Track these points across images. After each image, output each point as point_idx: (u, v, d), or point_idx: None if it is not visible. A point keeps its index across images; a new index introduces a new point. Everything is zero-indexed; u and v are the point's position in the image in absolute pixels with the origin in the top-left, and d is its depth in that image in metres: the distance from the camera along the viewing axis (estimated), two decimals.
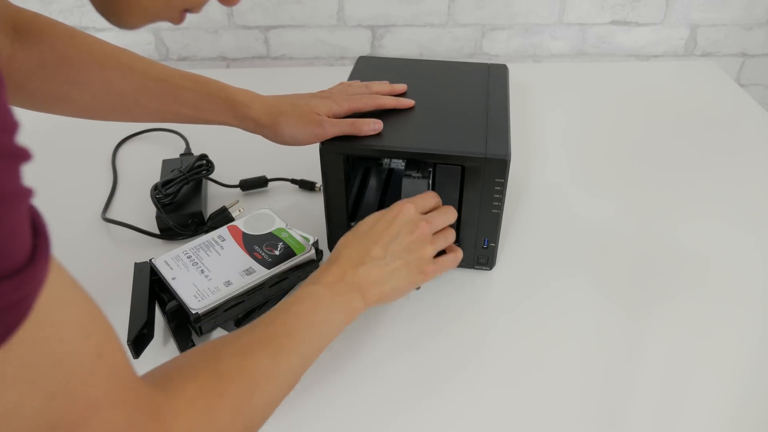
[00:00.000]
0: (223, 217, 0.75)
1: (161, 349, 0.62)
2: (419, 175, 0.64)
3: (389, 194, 0.78)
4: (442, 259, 0.61)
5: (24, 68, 0.55)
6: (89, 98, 0.59)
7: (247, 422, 0.43)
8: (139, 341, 0.57)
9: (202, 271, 0.62)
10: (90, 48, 0.59)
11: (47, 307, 0.27)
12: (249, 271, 0.62)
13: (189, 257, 0.64)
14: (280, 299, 0.67)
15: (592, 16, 1.17)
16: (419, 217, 0.59)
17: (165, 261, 0.63)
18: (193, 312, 0.58)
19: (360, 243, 0.56)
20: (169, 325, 0.60)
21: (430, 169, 0.65)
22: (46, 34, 0.57)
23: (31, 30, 0.56)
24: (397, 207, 0.58)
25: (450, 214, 0.62)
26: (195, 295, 0.59)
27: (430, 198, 0.62)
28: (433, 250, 0.59)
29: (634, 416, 0.56)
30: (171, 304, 0.59)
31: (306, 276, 0.68)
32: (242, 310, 0.62)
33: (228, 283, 0.61)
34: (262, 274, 0.62)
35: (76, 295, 0.31)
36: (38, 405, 0.27)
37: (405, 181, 0.64)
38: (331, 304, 0.51)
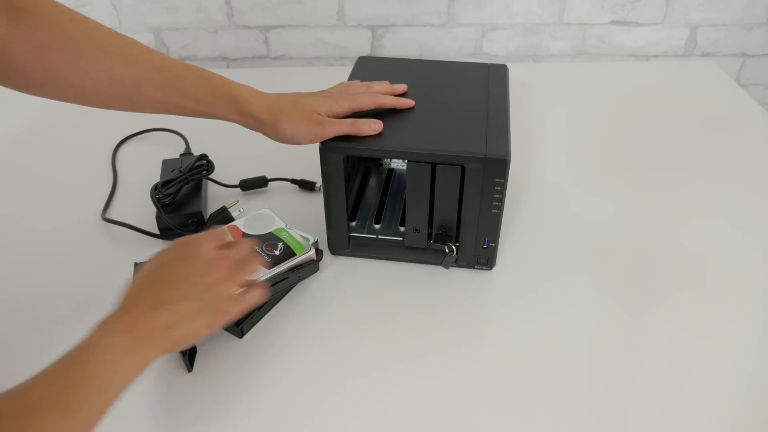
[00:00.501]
0: (223, 217, 0.75)
1: None
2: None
3: (389, 194, 0.78)
4: (245, 296, 0.56)
5: (21, 49, 0.54)
6: (90, 84, 0.58)
7: None
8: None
9: None
10: (91, 32, 0.58)
11: None
12: None
13: None
14: (280, 299, 0.67)
15: (592, 16, 1.17)
16: (216, 254, 0.55)
17: None
18: None
19: (153, 286, 0.52)
20: None
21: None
22: (45, 14, 0.55)
23: (29, 9, 0.54)
24: (194, 244, 0.55)
25: (248, 243, 0.59)
26: None
27: (219, 234, 0.58)
28: (232, 287, 0.55)
29: (635, 415, 0.56)
30: None
31: (306, 276, 0.68)
32: None
33: None
34: (261, 274, 0.62)
35: None
36: None
37: (409, 165, 0.63)
38: (123, 355, 0.46)
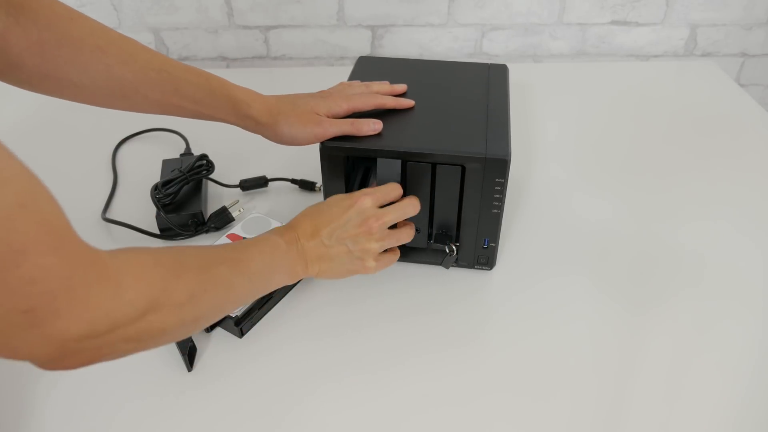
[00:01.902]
0: (223, 217, 0.76)
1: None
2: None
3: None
4: (384, 257, 0.63)
5: (20, 44, 0.54)
6: (88, 82, 0.58)
7: (197, 313, 0.45)
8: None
9: None
10: (91, 30, 0.58)
11: None
12: None
13: None
14: (280, 299, 0.67)
15: (592, 16, 1.17)
16: (373, 211, 0.60)
17: None
18: None
19: (315, 219, 0.59)
20: None
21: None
22: (45, 11, 0.56)
23: (28, 6, 0.55)
24: (355, 196, 0.60)
25: (410, 208, 0.63)
26: None
27: (391, 190, 0.63)
28: (378, 246, 0.61)
29: (635, 414, 0.56)
30: None
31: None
32: (242, 309, 0.62)
33: None
34: None
35: None
36: None
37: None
38: (282, 259, 0.56)
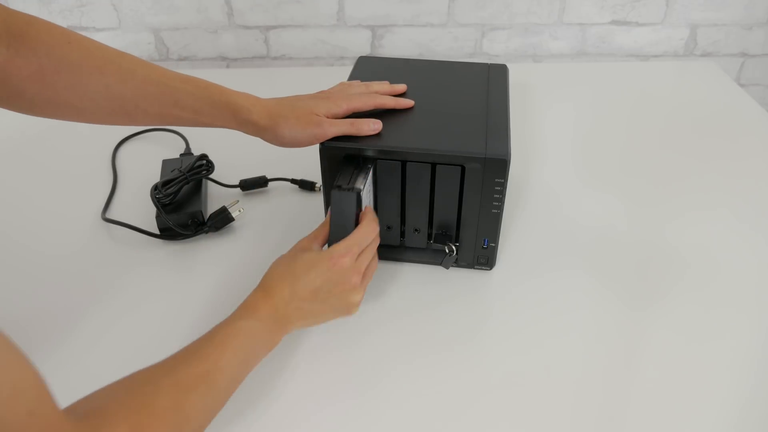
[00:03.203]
0: (223, 217, 0.76)
1: None
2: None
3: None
4: (364, 287, 0.61)
5: (21, 74, 0.55)
6: (89, 103, 0.59)
7: None
8: None
9: None
10: (88, 52, 0.59)
11: None
12: None
13: None
14: None
15: (592, 16, 1.17)
16: (353, 268, 0.58)
17: None
18: None
19: (293, 284, 0.56)
20: None
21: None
22: (42, 38, 0.56)
23: (27, 34, 0.56)
24: (334, 258, 0.57)
25: (375, 239, 0.62)
26: None
27: (365, 236, 0.60)
28: (361, 295, 0.60)
29: (635, 414, 0.56)
30: None
31: None
32: None
33: None
34: None
35: (9, 358, 0.34)
36: None
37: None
38: (261, 340, 0.55)
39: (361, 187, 0.60)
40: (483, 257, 0.70)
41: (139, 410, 0.43)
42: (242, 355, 0.52)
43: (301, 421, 0.56)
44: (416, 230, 0.69)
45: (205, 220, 0.76)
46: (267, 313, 0.55)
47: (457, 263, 0.71)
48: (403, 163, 0.63)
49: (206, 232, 0.76)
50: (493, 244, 0.68)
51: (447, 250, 0.68)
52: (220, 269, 0.72)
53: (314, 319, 0.59)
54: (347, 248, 0.58)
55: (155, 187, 0.75)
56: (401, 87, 0.72)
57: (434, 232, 0.69)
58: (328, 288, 0.57)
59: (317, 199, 0.82)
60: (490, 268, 0.71)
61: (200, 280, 0.70)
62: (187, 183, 0.78)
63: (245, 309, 0.55)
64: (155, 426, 0.43)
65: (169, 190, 0.75)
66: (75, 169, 0.88)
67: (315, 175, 0.77)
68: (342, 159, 0.64)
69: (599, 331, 0.64)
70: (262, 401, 0.58)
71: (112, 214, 0.80)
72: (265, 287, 0.57)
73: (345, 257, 0.57)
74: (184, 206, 0.76)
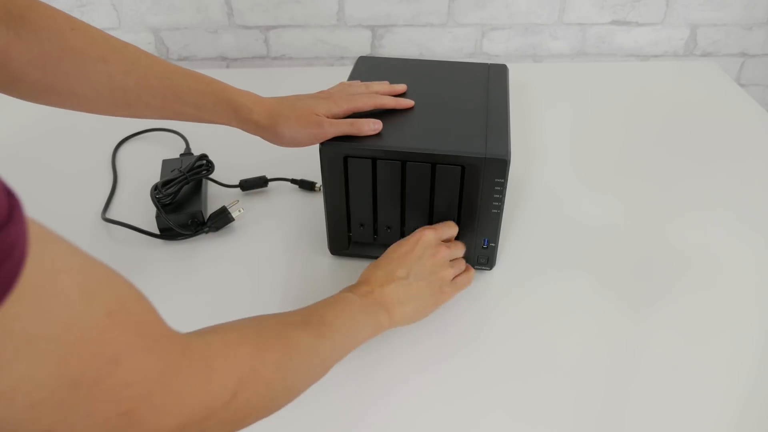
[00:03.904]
0: (223, 217, 0.76)
1: None
2: None
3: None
4: (459, 279, 0.65)
5: (22, 59, 0.54)
6: (91, 92, 0.58)
7: (287, 384, 0.45)
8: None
9: None
10: (92, 40, 0.58)
11: (41, 280, 0.27)
12: None
13: None
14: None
15: (592, 16, 1.17)
16: (439, 242, 0.63)
17: None
18: None
19: (386, 266, 0.60)
20: None
21: None
22: (45, 23, 0.55)
23: (28, 18, 0.54)
24: (418, 233, 0.63)
25: (460, 247, 0.66)
26: None
27: (450, 228, 0.65)
28: (452, 272, 0.63)
29: (635, 414, 0.56)
30: None
31: None
32: None
33: None
34: None
35: (74, 262, 0.31)
36: (52, 371, 0.27)
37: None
38: (360, 313, 0.56)
39: None
40: (483, 257, 0.70)
41: (248, 328, 0.44)
42: (344, 319, 0.53)
43: (298, 420, 0.56)
44: None
45: (205, 220, 0.76)
46: (364, 292, 0.57)
47: None
48: (403, 163, 0.63)
49: (206, 232, 0.76)
50: (493, 244, 0.68)
51: None
52: (220, 269, 0.72)
53: (413, 303, 0.60)
54: (430, 227, 0.63)
55: (155, 187, 0.75)
56: (401, 87, 0.72)
57: None
58: (420, 260, 0.60)
59: (317, 199, 0.82)
60: (491, 268, 0.71)
61: (200, 280, 0.70)
62: (187, 183, 0.78)
63: (344, 289, 0.59)
64: (265, 345, 0.43)
65: (169, 190, 0.75)
66: (75, 169, 0.88)
67: (315, 175, 0.77)
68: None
69: (600, 331, 0.64)
70: None
71: (112, 214, 0.80)
72: (361, 278, 0.61)
73: (428, 230, 0.62)
74: (184, 206, 0.76)
